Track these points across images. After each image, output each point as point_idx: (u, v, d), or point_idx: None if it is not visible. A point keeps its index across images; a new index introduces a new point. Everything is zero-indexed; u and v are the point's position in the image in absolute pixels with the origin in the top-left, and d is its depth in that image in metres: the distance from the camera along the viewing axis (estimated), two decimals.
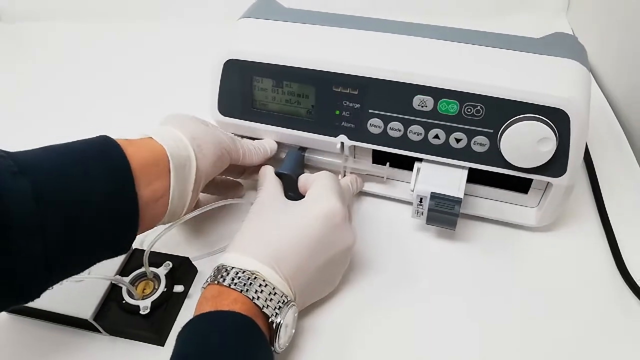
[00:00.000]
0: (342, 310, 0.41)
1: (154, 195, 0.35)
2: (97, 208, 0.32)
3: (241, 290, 0.33)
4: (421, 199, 0.42)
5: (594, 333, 0.39)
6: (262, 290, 0.34)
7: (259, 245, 0.36)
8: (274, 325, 0.34)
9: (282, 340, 0.35)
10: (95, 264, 0.34)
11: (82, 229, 0.31)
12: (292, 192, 0.47)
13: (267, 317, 0.34)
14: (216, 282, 0.35)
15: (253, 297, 0.33)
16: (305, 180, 0.43)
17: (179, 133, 0.39)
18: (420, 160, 0.44)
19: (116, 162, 0.33)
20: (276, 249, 0.36)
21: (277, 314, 0.34)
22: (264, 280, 0.34)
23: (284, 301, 0.35)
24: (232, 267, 0.35)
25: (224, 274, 0.35)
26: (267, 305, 0.34)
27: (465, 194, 0.46)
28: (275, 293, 0.34)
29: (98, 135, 0.35)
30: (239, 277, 0.34)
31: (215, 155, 0.40)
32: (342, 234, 0.38)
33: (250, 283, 0.34)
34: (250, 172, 0.49)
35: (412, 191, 0.43)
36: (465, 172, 0.43)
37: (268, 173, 0.44)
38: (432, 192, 0.41)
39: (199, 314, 0.33)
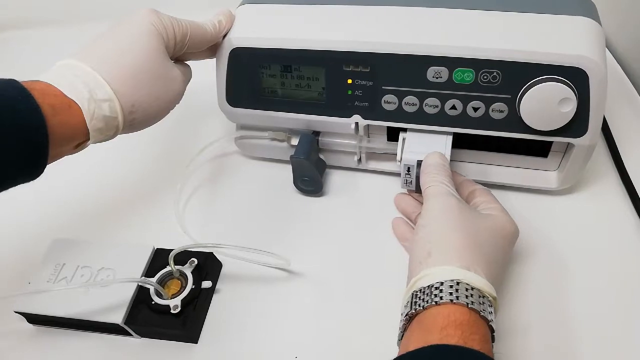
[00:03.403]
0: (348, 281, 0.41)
1: (60, 102, 0.32)
2: None
3: (489, 320, 0.30)
4: (409, 168, 0.42)
5: (624, 291, 0.39)
6: (491, 312, 0.31)
7: (484, 261, 0.33)
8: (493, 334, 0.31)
9: None
10: (6, 188, 0.32)
11: None
12: (307, 177, 0.46)
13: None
14: (465, 304, 0.30)
15: (490, 320, 0.30)
16: (466, 191, 0.41)
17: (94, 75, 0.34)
18: (405, 130, 0.44)
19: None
20: (492, 266, 0.33)
21: (492, 329, 0.31)
22: (491, 300, 0.31)
23: (494, 317, 0.32)
24: (473, 287, 0.31)
25: (467, 294, 0.30)
26: (492, 320, 0.31)
27: (482, 164, 0.46)
28: (493, 312, 0.31)
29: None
30: (482, 303, 0.30)
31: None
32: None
33: (490, 304, 0.31)
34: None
35: (400, 161, 0.43)
36: (450, 138, 0.43)
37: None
38: (418, 161, 0.42)
39: (448, 344, 0.28)
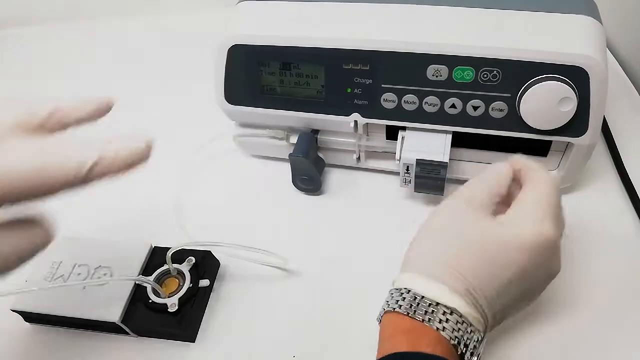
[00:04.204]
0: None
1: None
2: None
3: (437, 329, 0.28)
4: (408, 167, 0.42)
5: (624, 291, 0.39)
6: (459, 329, 0.29)
7: (453, 272, 0.30)
8: None
9: None
10: None
11: None
12: (306, 175, 0.46)
13: (460, 355, 0.29)
14: (407, 313, 0.29)
15: (451, 339, 0.28)
16: (519, 170, 0.34)
17: None
18: (404, 128, 0.43)
19: None
20: (473, 276, 0.30)
21: (472, 353, 0.29)
22: (460, 317, 0.29)
23: (478, 339, 0.29)
24: (422, 297, 0.29)
25: (414, 304, 0.29)
26: (466, 347, 0.29)
27: (482, 163, 0.46)
28: (471, 332, 0.29)
29: None
30: (433, 312, 0.29)
31: None
32: (550, 265, 0.32)
33: (447, 320, 0.29)
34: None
35: (399, 160, 0.43)
36: (450, 136, 0.42)
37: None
38: (417, 159, 0.41)
39: (398, 352, 0.28)
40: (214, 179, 0.51)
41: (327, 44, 0.41)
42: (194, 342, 0.39)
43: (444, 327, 0.28)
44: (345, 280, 0.41)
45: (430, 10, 0.41)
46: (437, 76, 0.39)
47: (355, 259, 0.43)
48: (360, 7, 0.43)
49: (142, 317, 0.38)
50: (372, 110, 0.43)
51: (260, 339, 0.38)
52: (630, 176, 0.46)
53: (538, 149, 0.43)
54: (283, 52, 0.42)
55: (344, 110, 0.43)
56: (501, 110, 0.39)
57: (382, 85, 0.41)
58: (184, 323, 0.38)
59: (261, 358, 0.37)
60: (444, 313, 0.29)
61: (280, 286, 0.42)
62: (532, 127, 0.39)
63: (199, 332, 0.39)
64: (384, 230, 0.44)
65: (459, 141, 0.43)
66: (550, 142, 0.42)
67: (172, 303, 0.38)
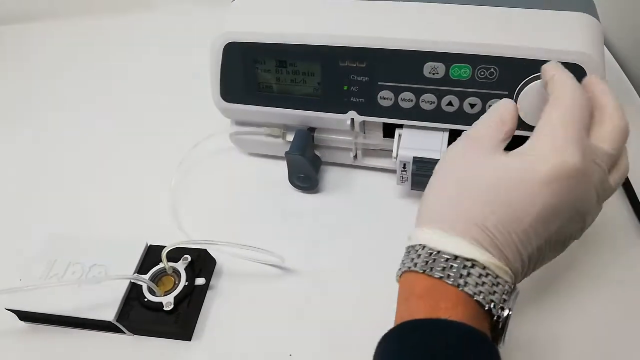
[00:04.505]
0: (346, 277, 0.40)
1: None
2: None
3: (458, 285, 0.26)
4: (404, 165, 0.42)
5: (624, 291, 0.39)
6: (483, 283, 0.26)
7: (467, 218, 0.27)
8: (500, 319, 0.26)
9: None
10: None
11: None
12: (302, 173, 0.46)
13: (489, 311, 0.26)
14: (423, 271, 0.27)
15: (475, 294, 0.26)
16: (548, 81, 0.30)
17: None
18: (401, 126, 0.43)
19: None
20: (492, 222, 0.27)
21: (502, 308, 0.26)
22: (484, 269, 0.26)
23: (507, 291, 0.27)
24: (439, 251, 0.27)
25: (430, 260, 0.27)
26: (491, 301, 0.26)
27: None
28: (498, 284, 0.26)
29: None
30: (452, 267, 0.26)
31: None
32: (580, 198, 0.28)
33: (468, 274, 0.26)
34: None
35: (395, 158, 0.42)
36: (447, 134, 0.42)
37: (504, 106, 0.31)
38: (414, 157, 0.41)
39: (411, 319, 0.26)
40: (210, 177, 0.50)
41: (323, 41, 0.41)
42: (190, 340, 0.39)
43: (465, 282, 0.26)
44: (342, 278, 0.41)
45: (427, 8, 0.41)
46: (433, 74, 0.39)
47: (351, 257, 0.43)
48: (356, 4, 0.42)
49: (137, 315, 0.38)
50: (369, 107, 0.42)
51: (256, 337, 0.38)
52: (628, 175, 0.45)
53: None
54: (279, 50, 0.42)
55: (341, 107, 0.43)
56: None
57: (379, 83, 0.41)
58: (180, 321, 0.37)
59: (257, 356, 0.37)
60: (465, 267, 0.26)
61: (277, 284, 0.41)
62: (530, 125, 0.39)
63: (194, 331, 0.39)
64: (380, 228, 0.44)
65: (455, 139, 0.43)
66: None
67: (168, 301, 0.38)
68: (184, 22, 0.73)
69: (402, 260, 0.29)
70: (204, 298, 0.40)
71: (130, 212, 0.48)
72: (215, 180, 0.50)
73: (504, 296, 0.26)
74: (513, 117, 0.31)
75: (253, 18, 0.43)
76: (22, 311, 0.38)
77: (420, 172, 0.42)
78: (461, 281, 0.26)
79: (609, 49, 0.60)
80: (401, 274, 0.29)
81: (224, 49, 0.43)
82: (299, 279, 0.42)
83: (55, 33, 0.74)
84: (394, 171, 0.45)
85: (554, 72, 0.31)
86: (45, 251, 0.41)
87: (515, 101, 0.38)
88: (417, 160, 0.41)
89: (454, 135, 0.42)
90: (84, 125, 0.58)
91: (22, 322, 0.40)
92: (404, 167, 0.42)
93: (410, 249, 0.28)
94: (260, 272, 0.42)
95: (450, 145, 0.32)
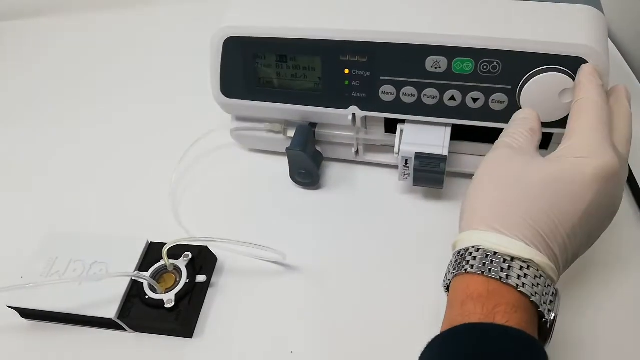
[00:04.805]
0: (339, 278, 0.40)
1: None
2: None
3: (517, 285, 0.26)
4: (406, 160, 0.42)
5: (624, 291, 0.38)
6: (537, 284, 0.27)
7: (520, 220, 0.28)
8: (547, 322, 0.27)
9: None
10: None
11: None
12: (303, 169, 0.46)
13: (539, 312, 0.27)
14: (481, 272, 0.27)
15: (531, 295, 0.26)
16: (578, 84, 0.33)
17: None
18: (403, 121, 0.43)
19: None
20: (543, 222, 0.28)
21: (549, 310, 0.27)
22: (537, 270, 0.27)
23: (554, 292, 0.28)
24: (495, 252, 0.27)
25: (487, 261, 0.27)
26: (543, 302, 0.27)
27: (482, 155, 0.45)
28: (549, 285, 0.27)
29: None
30: (510, 268, 0.27)
31: None
32: (616, 194, 0.30)
33: (525, 275, 0.27)
34: None
35: (397, 154, 0.42)
36: (449, 129, 0.42)
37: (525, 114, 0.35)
38: (416, 152, 0.41)
39: (466, 323, 0.26)
40: (210, 173, 0.50)
41: (324, 36, 0.40)
42: (191, 337, 0.38)
43: (523, 283, 0.26)
44: (343, 275, 0.41)
45: (429, 1, 0.40)
46: (436, 68, 0.39)
47: (353, 253, 0.42)
48: None
49: (138, 313, 0.38)
50: (370, 102, 0.42)
51: (257, 334, 0.38)
52: (632, 170, 0.45)
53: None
54: (279, 44, 0.41)
55: (342, 103, 0.43)
56: (501, 102, 0.39)
57: (381, 78, 0.40)
58: (181, 319, 0.37)
59: (258, 353, 0.37)
60: (521, 268, 0.27)
61: (278, 281, 0.41)
62: None
63: (196, 328, 0.39)
64: (382, 224, 0.44)
65: (458, 134, 0.43)
66: (551, 134, 0.42)
67: (169, 299, 0.38)
68: (184, 17, 0.72)
69: (453, 265, 0.29)
70: (205, 295, 0.40)
71: (131, 209, 0.48)
72: (216, 176, 0.50)
73: (551, 298, 0.27)
74: (540, 125, 0.35)
75: (253, 13, 0.43)
76: (23, 309, 0.38)
77: (423, 168, 0.42)
78: (519, 282, 0.26)
79: (612, 41, 0.60)
80: (453, 277, 0.29)
81: (223, 44, 0.42)
82: (301, 275, 0.41)
83: (55, 31, 0.73)
84: (396, 167, 0.44)
85: (581, 78, 0.34)
86: (46, 249, 0.41)
87: (519, 95, 0.38)
88: (419, 156, 0.41)
89: (456, 130, 0.42)
90: (85, 122, 0.58)
91: (24, 319, 0.40)
92: (406, 163, 0.42)
93: (463, 251, 0.29)
94: (261, 269, 0.42)
95: (490, 153, 0.33)
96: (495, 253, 0.27)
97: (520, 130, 0.34)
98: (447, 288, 0.30)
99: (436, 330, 0.29)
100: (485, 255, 0.27)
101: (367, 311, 0.39)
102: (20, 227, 0.47)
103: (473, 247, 0.28)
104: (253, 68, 0.43)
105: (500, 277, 0.26)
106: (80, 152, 0.54)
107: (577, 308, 0.37)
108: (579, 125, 0.31)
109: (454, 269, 0.28)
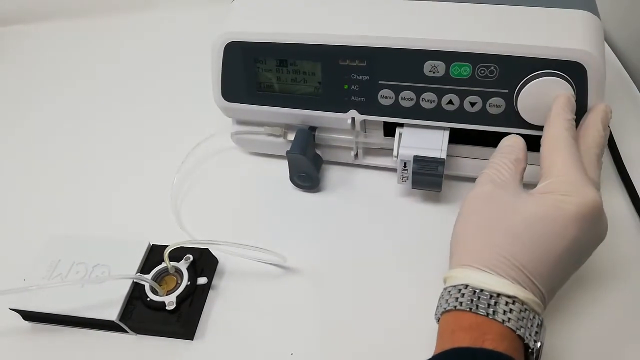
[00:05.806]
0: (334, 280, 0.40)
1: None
2: None
3: (502, 321, 0.28)
4: (405, 163, 0.42)
5: (624, 291, 0.39)
6: (522, 318, 0.28)
7: (504, 260, 0.29)
8: (533, 351, 0.29)
9: None
10: None
11: None
12: (303, 172, 0.46)
13: (524, 343, 0.29)
14: (469, 309, 0.28)
15: (517, 329, 0.28)
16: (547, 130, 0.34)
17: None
18: (402, 125, 0.43)
19: None
20: (527, 260, 0.29)
21: (535, 340, 0.29)
22: (522, 304, 0.29)
23: (539, 323, 0.29)
24: (482, 290, 0.29)
25: (475, 298, 0.29)
26: (529, 335, 0.28)
27: (479, 159, 0.46)
28: (534, 317, 0.29)
29: None
30: (496, 304, 0.28)
31: None
32: (598, 230, 0.31)
33: (511, 310, 0.28)
34: None
35: (396, 157, 0.42)
36: (447, 133, 0.42)
37: (514, 144, 0.35)
38: (415, 156, 0.41)
39: (456, 347, 0.28)
40: (211, 176, 0.51)
41: (323, 41, 0.41)
42: (192, 339, 0.39)
43: (509, 318, 0.28)
44: (344, 277, 0.41)
45: (427, 6, 0.41)
46: (434, 72, 0.39)
47: (353, 256, 0.43)
48: (356, 2, 0.43)
49: (140, 315, 0.38)
50: (370, 106, 0.42)
51: (258, 336, 0.38)
52: (629, 173, 0.46)
53: (535, 144, 0.43)
54: (279, 49, 0.42)
55: (341, 107, 0.43)
56: (498, 106, 0.39)
57: (379, 82, 0.41)
58: (182, 321, 0.38)
59: (259, 355, 0.37)
60: (507, 303, 0.28)
61: (279, 283, 0.42)
62: (530, 123, 0.39)
63: (197, 330, 0.39)
64: (381, 226, 0.44)
65: (456, 137, 0.43)
66: None
67: (170, 301, 0.38)
68: (185, 22, 0.73)
69: (444, 299, 0.30)
70: (206, 297, 0.41)
71: (133, 212, 0.48)
72: (217, 179, 0.50)
73: (536, 329, 0.29)
74: (525, 154, 0.35)
75: (253, 17, 0.43)
76: (25, 311, 0.39)
77: (421, 171, 0.42)
78: (505, 317, 0.28)
79: (608, 44, 0.60)
80: (443, 313, 0.30)
81: (224, 49, 0.43)
82: (301, 278, 0.42)
83: (56, 33, 0.74)
84: (394, 170, 0.45)
85: (552, 111, 0.35)
86: (48, 251, 0.41)
87: (516, 100, 0.38)
88: (417, 159, 0.41)
89: (454, 134, 0.43)
90: (86, 125, 0.58)
91: (26, 321, 0.40)
92: (405, 166, 0.42)
93: (452, 288, 0.30)
94: (262, 271, 0.42)
95: (475, 189, 0.34)
96: (482, 290, 0.29)
97: (504, 161, 0.34)
98: (439, 320, 0.31)
99: (436, 330, 0.30)
100: (473, 292, 0.29)
101: (367, 314, 0.39)
102: (22, 230, 0.48)
103: (462, 284, 0.30)
104: (253, 72, 0.43)
105: (488, 314, 0.28)
106: (82, 155, 0.55)
107: (574, 317, 0.38)
108: (554, 164, 0.32)
109: (446, 304, 0.30)
